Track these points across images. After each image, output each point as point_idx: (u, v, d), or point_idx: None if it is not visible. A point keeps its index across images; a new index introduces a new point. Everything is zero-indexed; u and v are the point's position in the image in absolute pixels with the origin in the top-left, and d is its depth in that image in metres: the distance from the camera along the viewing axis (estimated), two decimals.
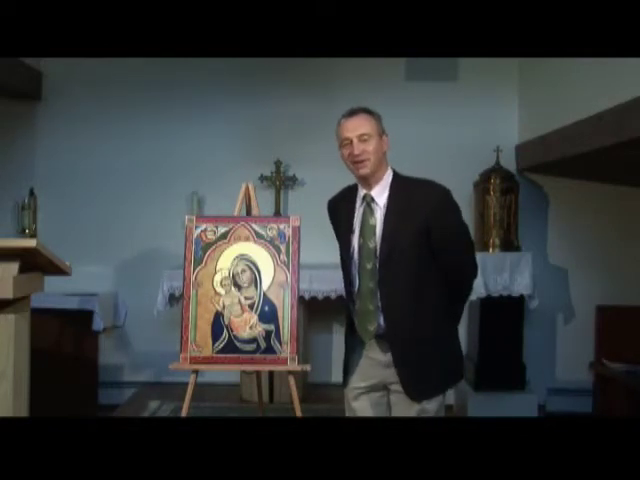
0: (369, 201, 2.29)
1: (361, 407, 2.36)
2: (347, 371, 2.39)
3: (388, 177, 2.31)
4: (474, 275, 2.43)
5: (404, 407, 2.28)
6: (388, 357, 2.27)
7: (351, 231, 2.32)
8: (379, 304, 2.26)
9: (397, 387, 2.28)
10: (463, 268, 2.36)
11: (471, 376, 4.57)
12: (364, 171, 2.25)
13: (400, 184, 2.30)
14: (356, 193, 2.35)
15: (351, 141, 2.24)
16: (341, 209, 2.40)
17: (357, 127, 2.24)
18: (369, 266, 2.26)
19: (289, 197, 5.06)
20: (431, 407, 2.27)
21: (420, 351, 2.25)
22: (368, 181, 2.29)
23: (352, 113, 2.28)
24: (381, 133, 2.29)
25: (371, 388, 2.35)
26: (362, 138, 2.24)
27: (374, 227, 2.26)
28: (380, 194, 2.29)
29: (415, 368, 2.25)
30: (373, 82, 4.73)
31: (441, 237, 2.23)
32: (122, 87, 5.00)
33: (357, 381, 2.36)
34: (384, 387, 2.33)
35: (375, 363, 2.32)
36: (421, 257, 2.23)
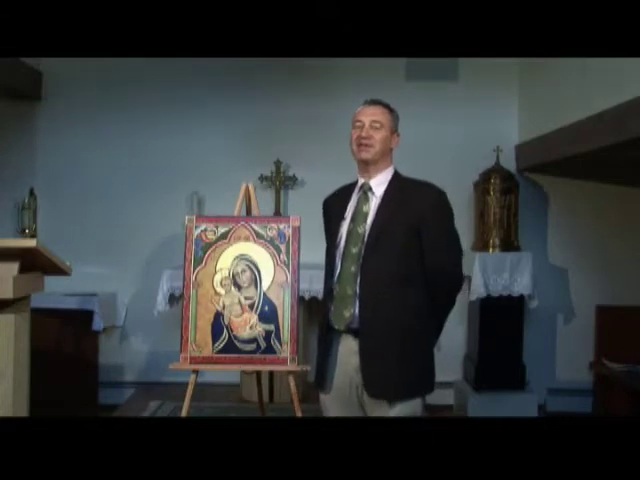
0: (366, 189, 2.31)
1: (336, 413, 2.31)
2: (321, 375, 2.33)
3: (389, 173, 2.33)
4: (457, 283, 2.35)
5: (374, 413, 2.23)
6: (359, 359, 2.22)
7: (342, 218, 2.33)
8: (357, 290, 2.23)
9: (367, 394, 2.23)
10: (448, 273, 2.28)
11: (471, 376, 4.58)
12: (365, 155, 2.27)
13: (400, 181, 2.33)
14: (353, 189, 2.37)
15: (363, 124, 2.29)
16: (336, 202, 2.41)
17: (373, 114, 2.30)
18: (354, 250, 2.25)
19: (289, 197, 5.06)
20: (401, 412, 2.20)
21: (389, 348, 2.19)
22: (367, 168, 2.31)
23: (373, 102, 2.34)
24: (393, 130, 2.34)
25: (345, 393, 2.29)
26: (373, 125, 2.28)
27: (366, 214, 2.27)
28: (378, 185, 2.31)
29: (380, 365, 2.19)
30: (373, 82, 4.73)
31: (432, 237, 2.22)
32: (122, 87, 4.99)
33: (331, 387, 2.30)
34: (357, 393, 2.27)
35: (349, 367, 2.26)
36: (408, 254, 2.22)
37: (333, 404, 2.33)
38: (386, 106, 2.34)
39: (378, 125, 2.28)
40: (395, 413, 2.21)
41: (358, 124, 2.30)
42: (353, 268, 2.24)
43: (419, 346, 2.27)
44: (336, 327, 2.29)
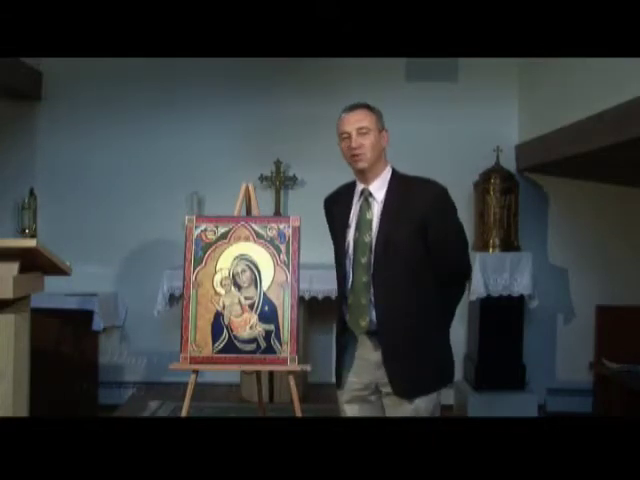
0: (367, 196, 2.30)
1: (354, 410, 2.34)
2: (339, 373, 2.37)
3: (387, 174, 2.32)
4: (467, 275, 2.44)
5: (396, 409, 2.26)
6: (379, 356, 2.26)
7: (347, 225, 2.32)
8: (372, 298, 2.25)
9: (388, 389, 2.26)
10: (457, 267, 2.35)
11: (471, 376, 4.58)
12: (361, 165, 2.26)
13: (399, 181, 2.31)
14: (353, 190, 2.36)
15: (350, 134, 2.25)
16: (337, 205, 2.40)
17: (356, 121, 2.26)
18: (364, 260, 2.25)
19: (289, 197, 5.06)
20: (423, 407, 2.25)
21: (410, 347, 2.23)
22: (366, 175, 2.29)
23: (352, 108, 2.30)
24: (381, 128, 2.30)
25: (364, 391, 2.33)
26: (361, 132, 2.25)
27: (370, 221, 2.27)
28: (378, 189, 2.29)
29: (404, 364, 2.23)
30: (373, 82, 4.74)
31: (437, 235, 2.23)
32: (122, 87, 5.00)
33: (350, 383, 2.34)
34: (376, 390, 2.32)
35: (367, 364, 2.30)
36: (417, 254, 2.23)
37: (352, 402, 2.35)
38: (367, 107, 2.30)
39: (365, 130, 2.25)
40: (416, 408, 2.25)
41: (345, 135, 2.27)
42: (365, 278, 2.26)
43: (437, 339, 2.33)
44: (355, 333, 2.32)
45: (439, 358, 2.32)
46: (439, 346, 2.33)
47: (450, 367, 2.39)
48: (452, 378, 2.41)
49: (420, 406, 2.25)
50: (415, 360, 2.24)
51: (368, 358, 2.30)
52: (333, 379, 2.43)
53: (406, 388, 2.24)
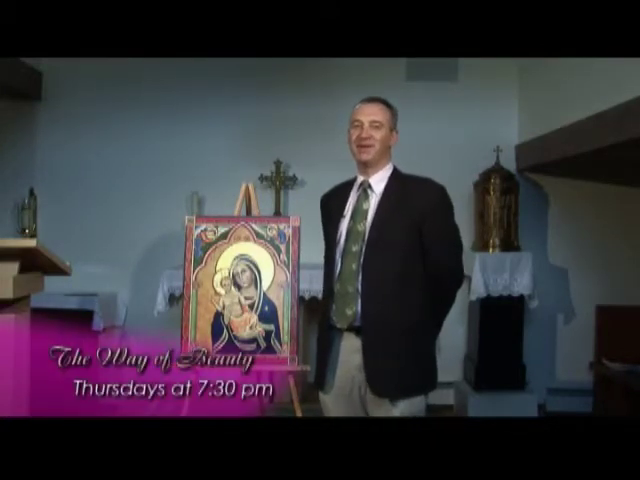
0: (366, 187, 2.30)
1: (338, 413, 2.28)
2: (321, 375, 2.30)
3: (388, 170, 2.32)
4: (457, 279, 2.34)
5: (378, 411, 2.20)
6: (361, 357, 2.20)
7: (342, 215, 2.31)
8: (359, 287, 2.21)
9: (370, 392, 2.20)
10: (448, 269, 2.28)
11: (471, 376, 4.58)
12: (366, 156, 2.26)
13: (399, 178, 2.32)
14: (351, 187, 2.36)
15: (362, 124, 2.26)
16: (334, 199, 2.39)
17: (372, 113, 2.27)
18: (355, 248, 2.23)
19: (289, 197, 5.06)
20: (405, 410, 2.18)
21: (391, 344, 2.18)
22: (367, 169, 2.30)
23: (371, 99, 2.32)
24: (392, 127, 2.31)
25: (347, 392, 2.27)
26: (373, 124, 2.26)
27: (366, 211, 2.26)
28: (378, 182, 2.30)
29: (382, 360, 2.17)
30: (373, 82, 4.71)
31: (432, 234, 2.22)
32: (122, 87, 4.99)
33: (332, 386, 2.28)
34: (359, 393, 2.25)
35: (350, 366, 2.24)
36: (409, 251, 2.21)
37: (334, 404, 2.30)
38: (385, 103, 2.32)
39: (378, 124, 2.26)
40: (398, 411, 2.19)
41: (357, 124, 2.28)
42: (354, 266, 2.23)
43: (421, 343, 2.27)
44: (338, 326, 2.27)
45: (422, 363, 2.25)
46: (423, 350, 2.26)
47: (432, 375, 2.29)
48: (433, 387, 2.29)
49: (402, 411, 2.17)
50: (396, 360, 2.18)
51: (351, 359, 2.24)
52: None
53: (385, 388, 2.18)
